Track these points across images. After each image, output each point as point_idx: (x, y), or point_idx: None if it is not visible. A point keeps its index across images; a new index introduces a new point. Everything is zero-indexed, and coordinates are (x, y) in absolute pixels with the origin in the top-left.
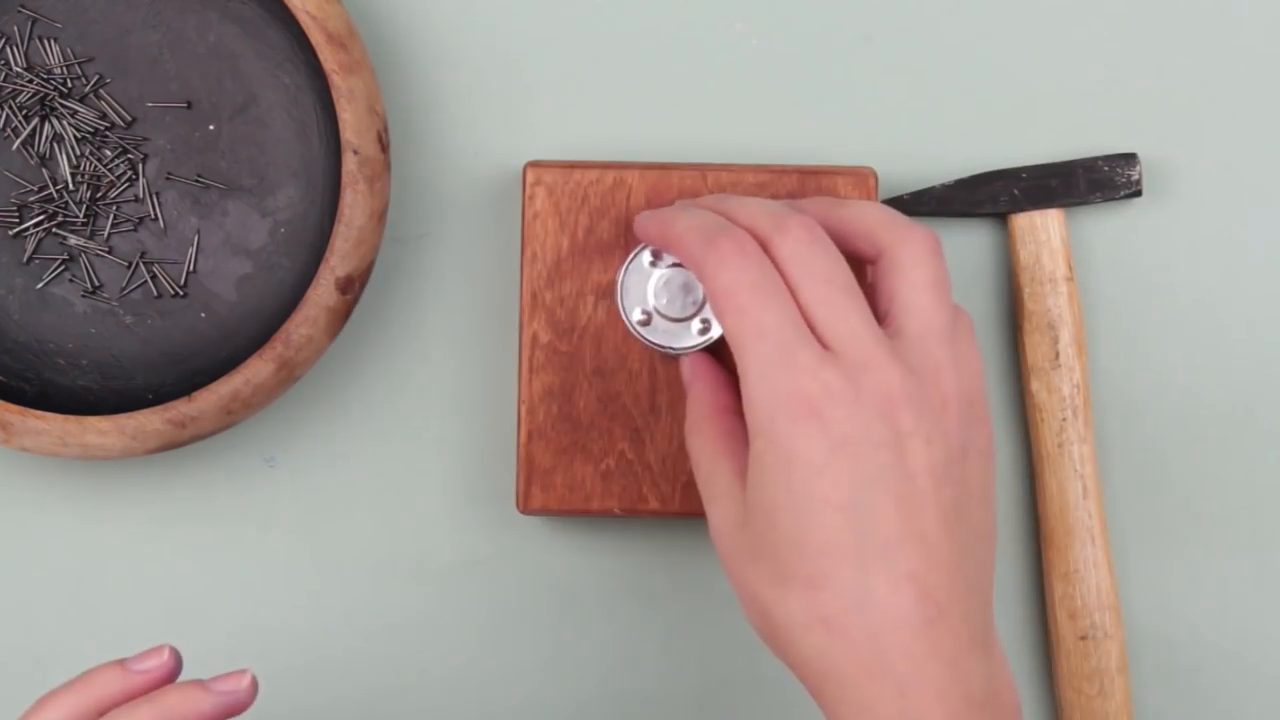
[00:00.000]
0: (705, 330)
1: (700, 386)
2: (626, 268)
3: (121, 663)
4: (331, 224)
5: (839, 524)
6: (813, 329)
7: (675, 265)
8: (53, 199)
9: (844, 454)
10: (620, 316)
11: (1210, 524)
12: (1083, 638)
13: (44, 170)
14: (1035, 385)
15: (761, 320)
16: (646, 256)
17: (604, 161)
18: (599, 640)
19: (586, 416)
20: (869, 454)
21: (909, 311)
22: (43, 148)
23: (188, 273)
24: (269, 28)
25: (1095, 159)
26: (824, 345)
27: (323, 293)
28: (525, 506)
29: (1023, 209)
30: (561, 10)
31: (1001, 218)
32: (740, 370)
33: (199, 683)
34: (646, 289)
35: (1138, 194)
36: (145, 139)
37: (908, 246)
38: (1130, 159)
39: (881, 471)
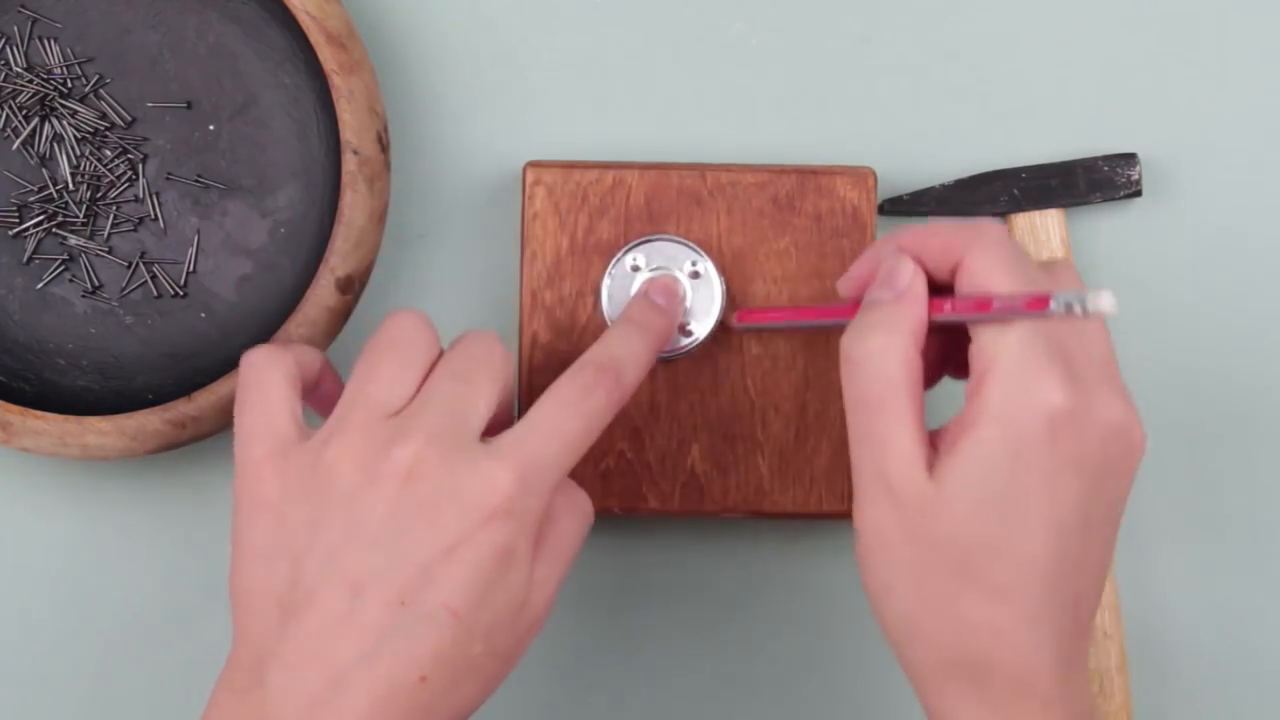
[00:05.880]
0: (689, 334)
1: (915, 313)
2: (609, 274)
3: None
4: (331, 224)
5: (1044, 543)
6: None
7: (657, 269)
8: (53, 199)
9: (1067, 475)
10: (606, 322)
11: (1209, 523)
12: None
13: (44, 170)
14: None
15: (1036, 330)
16: (629, 262)
17: (604, 161)
18: (598, 639)
19: None
20: (1085, 480)
21: (1090, 344)
22: (43, 148)
23: (188, 273)
24: (269, 28)
25: (1095, 159)
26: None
27: (323, 293)
28: None
29: (1023, 209)
30: (561, 10)
31: (1001, 218)
32: (992, 359)
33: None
34: (630, 294)
35: (1138, 194)
36: (145, 139)
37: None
38: (1130, 159)
39: (1087, 499)
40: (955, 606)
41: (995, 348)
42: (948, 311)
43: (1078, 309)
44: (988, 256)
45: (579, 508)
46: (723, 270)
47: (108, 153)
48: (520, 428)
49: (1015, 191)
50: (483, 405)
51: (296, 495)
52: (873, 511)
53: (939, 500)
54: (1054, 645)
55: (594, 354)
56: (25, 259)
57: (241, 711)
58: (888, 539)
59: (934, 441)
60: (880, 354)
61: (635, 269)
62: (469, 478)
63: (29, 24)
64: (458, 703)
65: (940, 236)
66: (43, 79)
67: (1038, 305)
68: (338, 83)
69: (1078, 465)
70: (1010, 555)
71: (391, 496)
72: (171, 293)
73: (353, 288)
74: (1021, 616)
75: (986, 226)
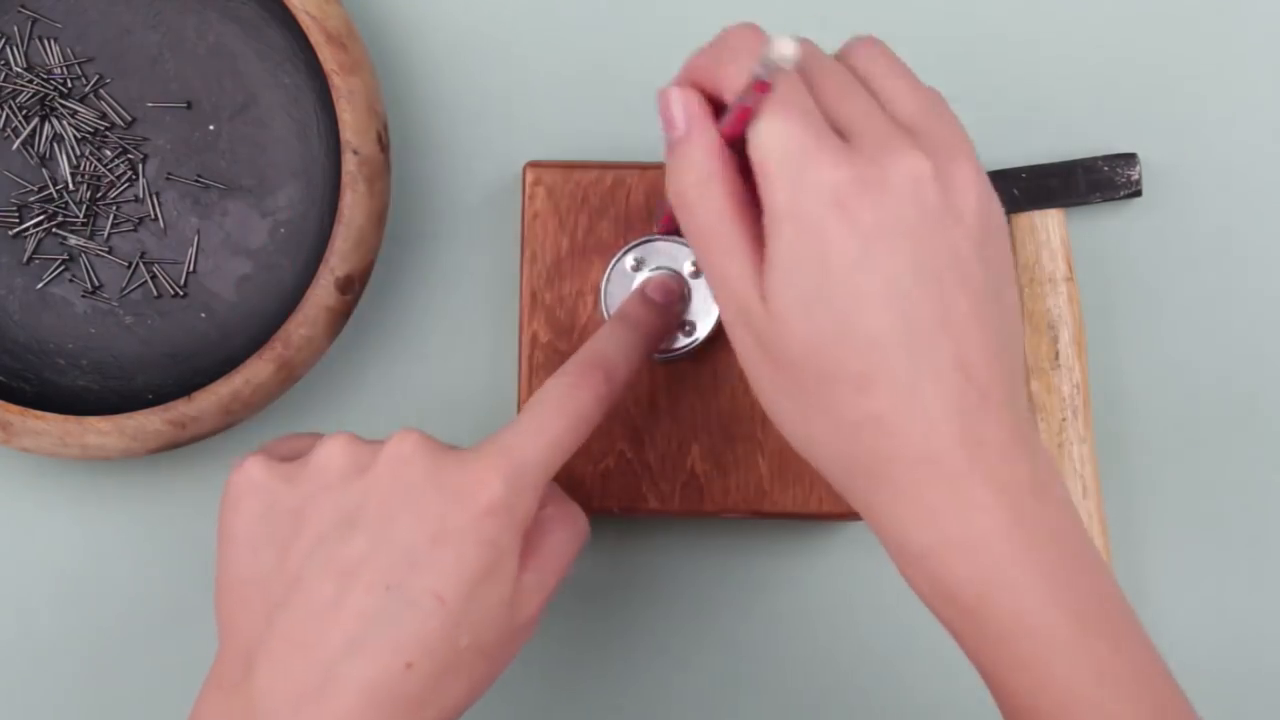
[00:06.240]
0: (690, 332)
1: (704, 140)
2: (609, 274)
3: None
4: (331, 224)
5: (885, 315)
6: (828, 121)
7: (658, 269)
8: (53, 199)
9: (880, 242)
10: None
11: (1209, 524)
12: None
13: (44, 170)
14: (1035, 385)
15: (783, 112)
16: (629, 261)
17: (604, 161)
18: (598, 639)
19: None
20: (902, 241)
21: (892, 101)
22: (43, 148)
23: (188, 273)
24: (269, 28)
25: (1095, 159)
26: (841, 137)
27: (323, 293)
28: None
29: (1023, 209)
30: (561, 10)
31: None
32: (760, 161)
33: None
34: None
35: (1138, 194)
36: (145, 139)
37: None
38: (1130, 159)
39: (916, 257)
40: (833, 412)
41: (762, 148)
42: (720, 128)
43: (772, 60)
44: (736, 66)
45: (573, 522)
46: None
47: (108, 153)
48: (506, 429)
49: (1015, 191)
50: None
51: (285, 484)
52: (738, 345)
53: (774, 316)
54: (951, 421)
55: (582, 352)
56: (25, 259)
57: (229, 708)
58: (758, 367)
59: None
60: (692, 190)
61: (635, 269)
62: (457, 476)
63: (29, 24)
64: (444, 700)
65: (703, 64)
66: (43, 79)
67: (752, 81)
68: (338, 83)
69: (890, 229)
70: (857, 340)
71: (381, 486)
72: (171, 293)
73: (353, 288)
74: (895, 399)
75: (728, 36)
